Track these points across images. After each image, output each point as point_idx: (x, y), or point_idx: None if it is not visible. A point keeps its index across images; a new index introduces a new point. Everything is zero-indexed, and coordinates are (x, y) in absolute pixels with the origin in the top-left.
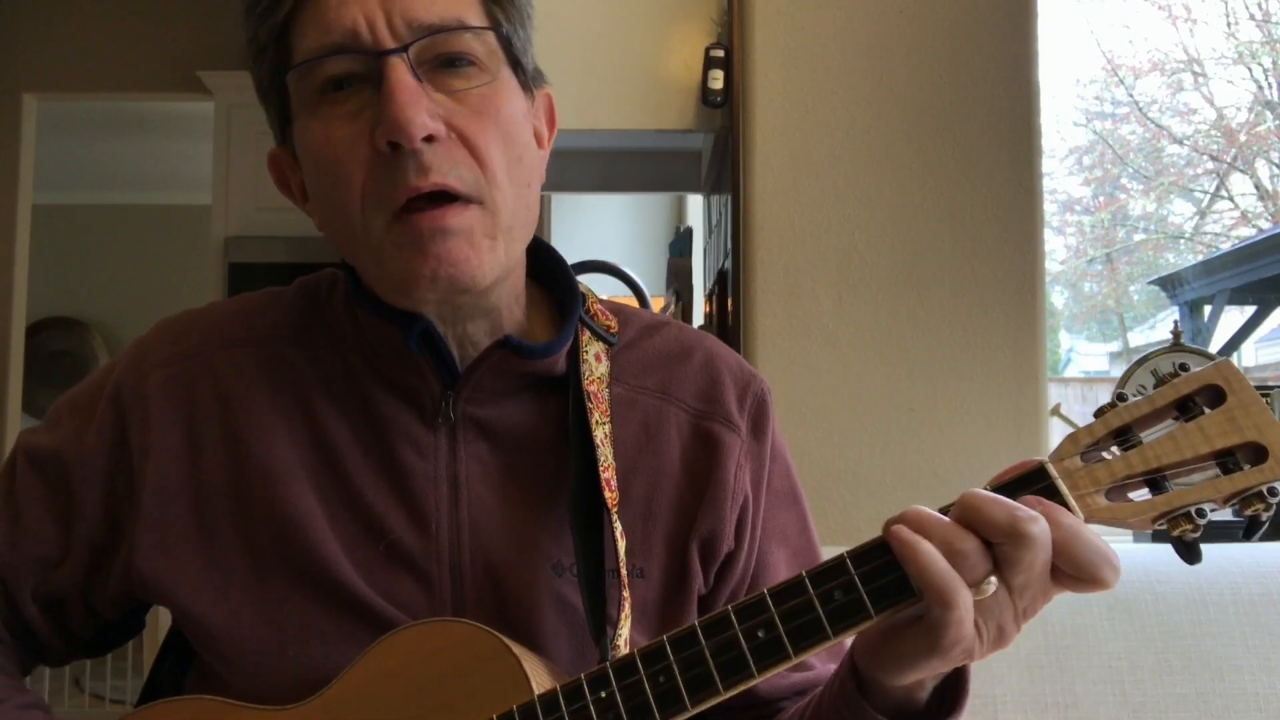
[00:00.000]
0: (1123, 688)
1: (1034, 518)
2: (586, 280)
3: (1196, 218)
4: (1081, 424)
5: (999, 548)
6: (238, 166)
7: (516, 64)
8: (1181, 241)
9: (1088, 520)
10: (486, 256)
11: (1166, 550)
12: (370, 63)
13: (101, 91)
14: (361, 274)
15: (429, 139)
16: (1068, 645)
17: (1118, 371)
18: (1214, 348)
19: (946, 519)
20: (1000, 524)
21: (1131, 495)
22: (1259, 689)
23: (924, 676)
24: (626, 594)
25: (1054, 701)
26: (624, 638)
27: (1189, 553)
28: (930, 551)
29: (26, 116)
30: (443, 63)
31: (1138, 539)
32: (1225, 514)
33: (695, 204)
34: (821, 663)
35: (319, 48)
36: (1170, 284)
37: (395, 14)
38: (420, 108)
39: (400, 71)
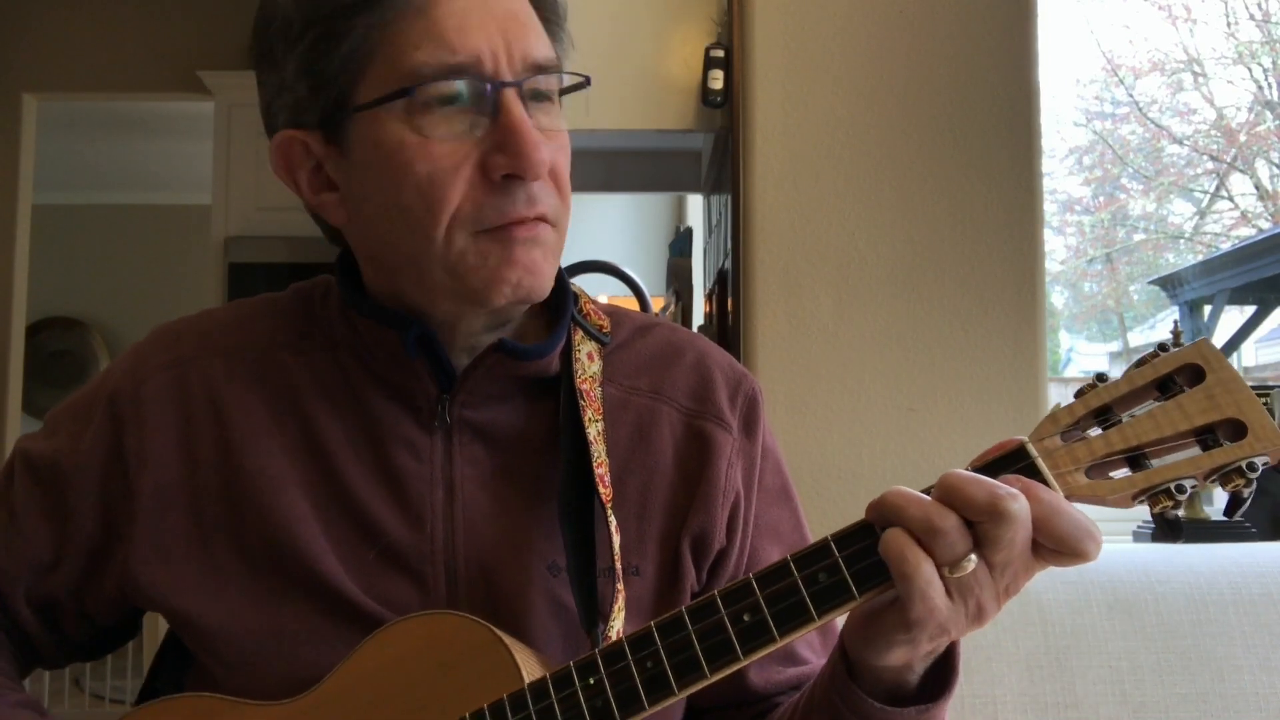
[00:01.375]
0: (1123, 688)
1: (1013, 495)
2: (586, 280)
3: (1196, 218)
4: None
5: (979, 526)
6: (238, 166)
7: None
8: (1181, 241)
9: (1068, 498)
10: (551, 273)
11: (1167, 550)
12: (482, 89)
13: (101, 91)
14: (416, 291)
15: None
16: (1068, 645)
17: (1117, 371)
18: None
19: (927, 498)
20: (980, 502)
21: (1112, 473)
22: (1259, 689)
23: (909, 656)
24: (620, 588)
25: (1054, 701)
26: (615, 632)
27: (1171, 530)
28: (892, 532)
29: (26, 116)
30: (533, 97)
31: (1137, 539)
32: (1224, 515)
33: (695, 204)
34: (816, 657)
35: (438, 64)
36: (1170, 284)
37: (515, 48)
38: (543, 145)
39: (520, 106)
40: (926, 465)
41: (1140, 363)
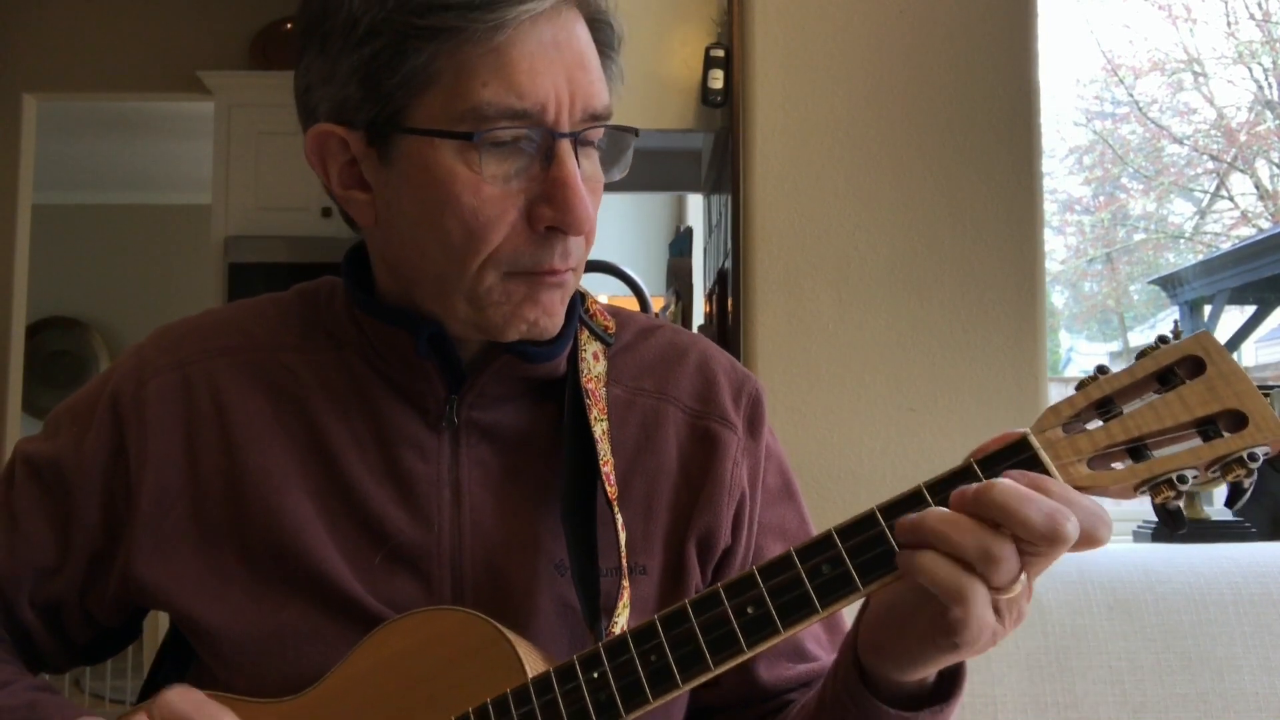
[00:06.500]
0: (1123, 688)
1: (1067, 515)
2: (587, 280)
3: (1196, 218)
4: None
5: (1031, 547)
6: (238, 166)
7: None
8: (1181, 241)
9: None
10: (563, 311)
11: (1167, 550)
12: (540, 137)
13: (101, 91)
14: (433, 305)
15: None
16: (1068, 645)
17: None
18: None
19: (975, 523)
20: (1039, 529)
21: (1114, 464)
22: (1259, 689)
23: (943, 667)
24: (626, 584)
25: (1054, 701)
26: (620, 630)
27: (1173, 520)
28: (932, 559)
29: (26, 116)
30: (582, 143)
31: (1138, 539)
32: (1225, 515)
33: (695, 204)
34: (825, 653)
35: (504, 107)
36: (1170, 284)
37: (578, 99)
38: (589, 201)
39: (573, 160)
40: (927, 465)
41: (1141, 355)
